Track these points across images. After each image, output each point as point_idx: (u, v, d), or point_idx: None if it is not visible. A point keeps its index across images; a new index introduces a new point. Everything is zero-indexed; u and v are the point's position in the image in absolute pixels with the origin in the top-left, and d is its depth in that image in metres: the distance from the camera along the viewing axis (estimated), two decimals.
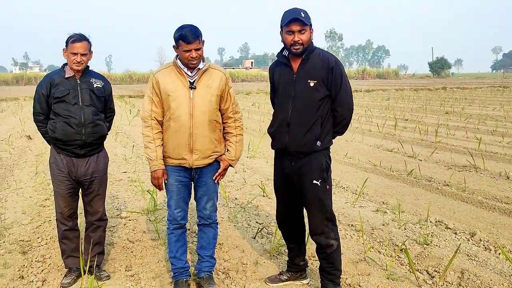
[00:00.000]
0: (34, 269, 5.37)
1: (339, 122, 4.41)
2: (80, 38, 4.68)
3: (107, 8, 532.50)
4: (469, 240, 6.08)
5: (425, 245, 5.84)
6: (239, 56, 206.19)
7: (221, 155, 4.67)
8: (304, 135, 4.30)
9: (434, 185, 8.92)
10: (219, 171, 4.66)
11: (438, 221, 6.77)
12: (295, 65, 4.36)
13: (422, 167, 10.10)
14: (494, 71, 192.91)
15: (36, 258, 5.67)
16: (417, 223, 6.75)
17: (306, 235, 4.97)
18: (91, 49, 4.81)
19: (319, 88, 4.27)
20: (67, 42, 4.70)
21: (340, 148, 12.63)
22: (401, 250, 5.66)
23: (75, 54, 4.65)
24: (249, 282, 4.98)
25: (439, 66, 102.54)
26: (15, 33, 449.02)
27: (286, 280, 4.90)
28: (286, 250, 5.64)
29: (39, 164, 10.84)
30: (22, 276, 5.18)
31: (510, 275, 5.05)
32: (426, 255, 5.54)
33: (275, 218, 6.78)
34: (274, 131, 4.51)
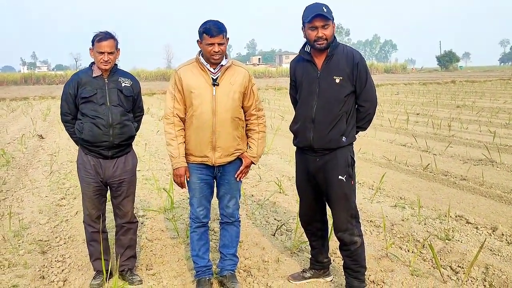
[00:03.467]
0: (54, 269, 5.36)
1: (364, 117, 4.38)
2: (106, 36, 4.60)
3: (113, 6, 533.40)
4: (491, 235, 6.01)
5: (447, 241, 5.77)
6: (246, 53, 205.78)
7: (243, 153, 4.63)
8: (330, 131, 4.25)
9: (451, 179, 8.83)
10: (241, 168, 4.61)
11: (458, 216, 6.70)
12: (319, 61, 4.30)
13: (437, 162, 10.00)
14: (502, 64, 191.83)
15: (55, 258, 5.66)
16: (437, 218, 6.68)
17: (329, 232, 4.92)
18: (118, 47, 4.72)
19: (345, 84, 4.22)
20: (93, 41, 4.62)
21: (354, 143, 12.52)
22: (423, 246, 5.60)
23: (102, 53, 4.57)
24: (271, 280, 4.93)
25: (447, 60, 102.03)
26: (23, 33, 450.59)
27: (309, 278, 4.85)
28: (308, 247, 5.60)
29: (53, 163, 10.84)
30: (43, 276, 5.17)
31: None
32: (449, 251, 5.47)
33: (293, 215, 6.86)
34: (298, 128, 4.46)
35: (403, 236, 6.04)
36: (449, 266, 5.15)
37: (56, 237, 6.34)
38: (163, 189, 7.85)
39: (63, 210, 7.55)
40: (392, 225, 6.36)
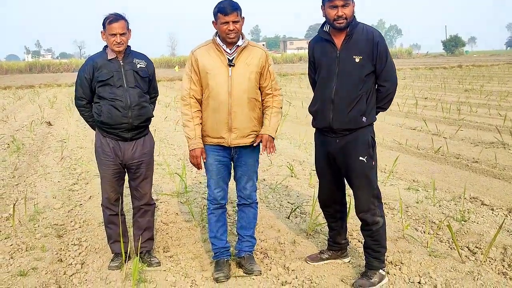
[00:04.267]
0: (71, 252, 5.38)
1: (384, 97, 4.34)
2: (116, 17, 4.58)
3: None
4: (507, 216, 5.99)
5: (463, 222, 5.76)
6: (250, 38, 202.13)
7: (258, 134, 4.61)
8: (350, 111, 4.21)
9: (464, 162, 8.81)
10: (262, 146, 4.55)
11: (473, 198, 6.69)
12: (338, 41, 4.26)
13: (448, 145, 9.96)
14: (509, 48, 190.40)
15: (72, 241, 5.68)
16: (451, 200, 6.66)
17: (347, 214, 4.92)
18: (129, 28, 4.70)
19: (365, 63, 4.19)
20: (104, 24, 4.60)
21: None
22: (438, 227, 5.60)
23: (114, 35, 4.55)
24: (288, 261, 4.93)
25: (452, 45, 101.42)
26: (26, 21, 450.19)
27: (327, 259, 4.85)
28: (323, 229, 5.65)
29: (64, 150, 10.86)
30: (61, 259, 5.19)
31: None
32: (466, 232, 5.47)
33: (306, 198, 6.86)
34: (317, 109, 4.43)
35: (418, 218, 6.04)
36: (467, 247, 5.15)
37: (71, 221, 6.36)
38: (176, 173, 7.85)
39: (76, 195, 7.57)
40: (407, 207, 6.35)
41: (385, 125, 13.18)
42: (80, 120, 16.15)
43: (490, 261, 4.81)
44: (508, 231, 5.51)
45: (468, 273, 4.53)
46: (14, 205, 6.13)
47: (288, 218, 6.17)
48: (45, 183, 8.30)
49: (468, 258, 4.88)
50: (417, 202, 6.57)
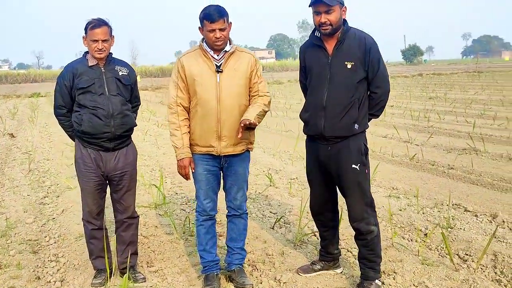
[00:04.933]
0: (48, 269, 5.13)
1: (376, 104, 4.26)
2: (99, 23, 4.37)
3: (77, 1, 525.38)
4: (491, 222, 5.99)
5: (449, 229, 5.72)
6: None
7: (251, 143, 4.47)
8: (342, 118, 4.11)
9: (440, 169, 8.83)
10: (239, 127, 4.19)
11: (456, 204, 6.68)
12: (330, 46, 4.17)
13: (422, 152, 10.00)
14: (465, 57, 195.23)
15: (48, 257, 5.42)
16: (434, 207, 6.63)
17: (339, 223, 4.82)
18: (112, 34, 4.50)
19: (357, 69, 4.10)
20: (86, 29, 4.39)
21: None
22: (425, 234, 5.56)
23: (96, 41, 4.35)
24: (279, 273, 4.79)
25: (411, 54, 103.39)
26: None
27: (320, 270, 4.73)
28: (311, 240, 5.57)
29: (31, 162, 10.49)
30: (39, 277, 4.94)
31: None
32: (454, 239, 5.43)
33: (288, 208, 6.76)
34: (308, 116, 4.31)
35: (403, 226, 5.98)
36: (457, 254, 5.10)
37: (45, 236, 6.08)
38: (153, 184, 7.63)
39: (48, 209, 7.28)
40: (391, 215, 6.28)
41: None
42: (44, 132, 15.81)
43: (482, 269, 4.77)
44: (495, 237, 5.48)
45: (464, 281, 4.47)
46: None
47: (273, 228, 6.03)
48: (14, 197, 7.96)
49: (461, 266, 4.83)
50: (400, 210, 6.52)
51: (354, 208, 4.24)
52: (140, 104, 4.94)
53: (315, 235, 5.64)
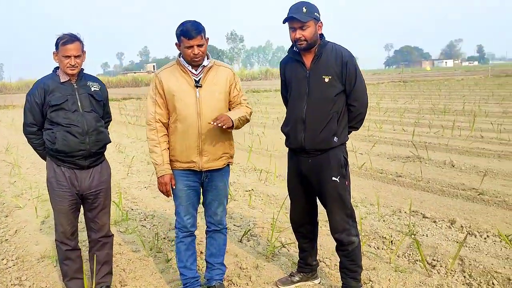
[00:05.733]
0: None
1: (355, 117, 4.33)
2: (71, 38, 4.25)
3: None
4: (450, 228, 6.22)
5: (412, 236, 5.89)
6: (139, 60, 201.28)
7: (231, 157, 4.47)
8: (321, 132, 4.18)
9: (389, 176, 9.10)
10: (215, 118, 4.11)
11: (414, 211, 6.88)
12: (308, 61, 4.23)
13: (367, 160, 10.25)
14: (387, 67, 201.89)
15: (11, 281, 5.18)
16: (393, 214, 6.83)
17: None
18: (84, 49, 4.39)
19: (334, 83, 4.16)
20: (57, 44, 4.25)
21: (282, 147, 12.68)
22: (390, 242, 5.71)
23: (68, 57, 4.21)
24: (257, 286, 4.80)
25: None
26: None
27: (298, 281, 4.76)
28: (280, 252, 5.58)
29: None
30: None
31: (506, 257, 5.19)
32: (419, 245, 5.59)
33: (251, 220, 6.77)
34: (289, 129, 4.36)
35: (367, 234, 6.10)
36: (425, 260, 5.25)
37: (3, 259, 5.80)
38: (113, 201, 7.45)
39: None
40: None
41: None
42: None
43: (451, 273, 4.94)
44: (457, 241, 5.70)
45: (438, 286, 4.63)
46: None
47: (241, 241, 6.01)
48: None
49: (431, 271, 4.98)
50: (362, 218, 6.64)
51: (335, 220, 4.30)
52: (111, 119, 4.82)
53: (284, 247, 5.69)
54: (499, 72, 59.95)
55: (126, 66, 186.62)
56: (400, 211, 6.90)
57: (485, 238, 5.78)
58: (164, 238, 6.20)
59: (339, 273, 4.94)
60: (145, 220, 7.14)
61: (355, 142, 12.78)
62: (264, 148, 12.77)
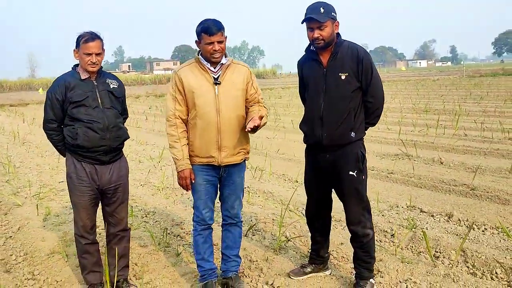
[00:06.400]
0: (28, 287, 4.98)
1: (372, 113, 4.47)
2: (92, 36, 4.34)
3: None
4: (448, 221, 6.44)
5: (413, 229, 6.09)
6: (114, 60, 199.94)
7: (248, 152, 4.60)
8: (338, 127, 4.32)
9: (382, 173, 9.31)
10: (252, 122, 4.19)
11: (410, 206, 7.09)
12: (324, 59, 4.37)
13: None
14: None
15: (24, 276, 5.25)
16: (390, 209, 7.02)
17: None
18: (104, 47, 4.49)
19: (351, 80, 4.30)
20: (78, 42, 4.34)
21: (270, 145, 12.87)
22: (392, 235, 5.91)
23: (90, 54, 4.31)
24: (270, 278, 4.93)
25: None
26: None
27: (310, 272, 4.91)
28: (286, 245, 5.72)
29: None
30: None
31: (506, 248, 5.41)
32: (421, 238, 5.78)
33: (248, 215, 6.87)
34: (307, 126, 4.51)
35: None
36: (431, 251, 5.44)
37: (11, 255, 5.86)
38: None
39: (0, 228, 6.98)
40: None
41: (287, 142, 13.57)
42: None
43: (455, 264, 5.13)
44: (457, 234, 5.91)
45: (445, 276, 4.81)
46: None
47: (246, 236, 6.14)
48: None
49: (436, 262, 5.17)
50: None
51: (351, 213, 4.47)
52: (128, 116, 4.92)
53: (290, 241, 5.84)
54: (472, 73, 60.84)
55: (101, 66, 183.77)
56: (397, 206, 7.11)
57: (483, 231, 6.00)
58: (169, 233, 6.30)
59: (347, 265, 5.18)
60: (146, 216, 7.22)
61: None
62: (253, 147, 12.91)
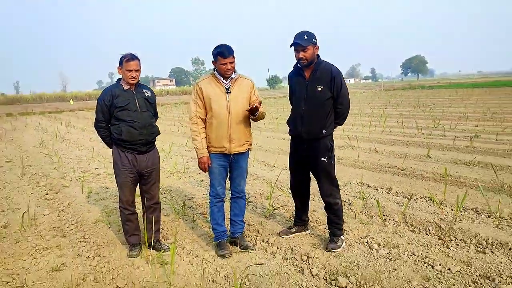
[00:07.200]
0: (82, 247, 4.81)
1: (340, 116, 4.43)
2: (132, 57, 4.24)
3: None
4: (389, 193, 6.44)
5: (364, 199, 6.08)
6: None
7: (250, 144, 4.50)
8: (314, 126, 4.29)
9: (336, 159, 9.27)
10: (253, 106, 4.18)
11: (359, 182, 7.09)
12: (307, 74, 4.33)
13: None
14: None
15: (78, 239, 5.06)
16: (345, 185, 6.98)
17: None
18: (141, 65, 4.35)
19: (325, 91, 4.26)
20: (121, 61, 4.23)
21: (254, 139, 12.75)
22: (349, 204, 5.88)
23: (131, 71, 4.21)
24: (265, 236, 4.86)
25: (274, 82, 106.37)
26: None
27: (295, 232, 4.86)
28: (274, 213, 5.65)
29: (23, 168, 9.61)
30: (79, 254, 4.61)
31: (433, 212, 5.44)
32: (370, 205, 5.78)
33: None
34: (291, 122, 4.49)
35: None
36: (377, 215, 5.44)
37: (65, 224, 5.66)
38: None
39: (54, 203, 6.73)
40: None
41: (272, 140, 13.47)
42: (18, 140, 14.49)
43: (399, 224, 5.12)
44: (397, 202, 5.92)
45: (394, 233, 4.81)
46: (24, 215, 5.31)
47: None
48: (19, 195, 7.26)
49: (385, 223, 5.17)
50: None
51: (324, 188, 4.43)
52: (158, 117, 4.78)
53: (276, 210, 5.77)
54: (388, 87, 61.69)
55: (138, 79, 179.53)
56: (350, 183, 7.09)
57: (415, 200, 6.02)
58: (184, 206, 6.16)
59: (320, 226, 5.13)
60: (165, 193, 7.05)
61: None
62: None
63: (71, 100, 61.17)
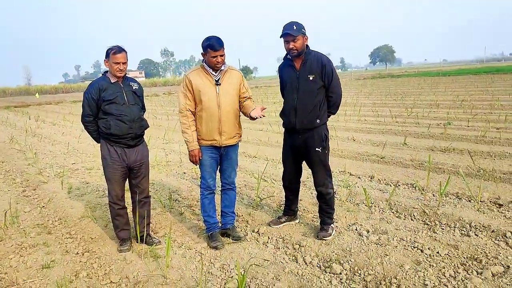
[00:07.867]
0: (69, 244, 4.72)
1: (333, 105, 4.45)
2: (120, 49, 4.14)
3: None
4: (371, 181, 6.57)
5: (348, 187, 6.19)
6: (93, 71, 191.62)
7: (240, 136, 4.49)
8: (307, 116, 4.31)
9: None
10: (258, 111, 4.23)
11: (342, 171, 7.19)
12: (298, 65, 4.34)
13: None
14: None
15: (64, 236, 4.98)
16: None
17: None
18: (127, 58, 4.27)
19: (317, 80, 4.29)
20: (108, 53, 4.13)
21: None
22: (335, 192, 5.94)
23: (118, 63, 4.12)
24: (255, 227, 4.88)
25: (245, 72, 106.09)
26: None
27: (285, 222, 4.90)
28: (263, 202, 5.72)
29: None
30: (67, 251, 4.53)
31: (416, 198, 5.59)
32: (355, 193, 5.88)
33: None
34: (284, 114, 4.48)
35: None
36: (363, 203, 5.55)
37: (48, 220, 5.55)
38: None
39: (34, 200, 6.58)
40: (303, 183, 6.59)
41: (247, 130, 13.41)
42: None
43: (385, 211, 5.24)
44: (380, 190, 6.04)
45: (381, 219, 4.92)
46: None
47: None
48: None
49: (371, 209, 5.27)
50: (307, 178, 6.86)
51: (318, 178, 4.48)
52: (145, 110, 4.72)
53: (263, 200, 5.80)
54: (358, 76, 62.52)
55: (83, 76, 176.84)
56: (333, 172, 7.14)
57: (397, 186, 6.16)
58: (170, 199, 6.11)
59: (308, 215, 5.19)
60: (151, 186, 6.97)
61: (276, 127, 13.01)
62: None
63: (37, 94, 59.40)
